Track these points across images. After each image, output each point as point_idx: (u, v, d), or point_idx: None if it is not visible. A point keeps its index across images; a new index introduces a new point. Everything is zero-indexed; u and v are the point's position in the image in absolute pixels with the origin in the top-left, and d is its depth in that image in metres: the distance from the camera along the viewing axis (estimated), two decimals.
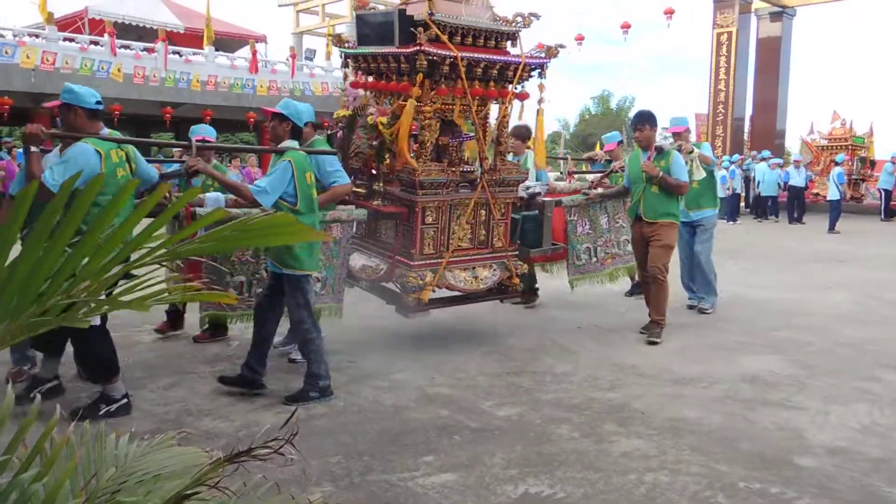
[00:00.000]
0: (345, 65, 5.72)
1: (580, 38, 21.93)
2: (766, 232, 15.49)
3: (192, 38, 21.99)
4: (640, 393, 4.58)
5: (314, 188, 4.33)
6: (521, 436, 3.86)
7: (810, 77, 79.86)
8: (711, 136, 22.95)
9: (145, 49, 19.38)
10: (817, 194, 19.34)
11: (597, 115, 54.36)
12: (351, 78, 5.74)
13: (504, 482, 3.32)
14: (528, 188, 5.95)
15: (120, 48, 18.62)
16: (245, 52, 22.97)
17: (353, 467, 3.46)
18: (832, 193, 15.87)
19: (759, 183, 18.34)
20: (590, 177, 7.54)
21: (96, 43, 18.56)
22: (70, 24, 21.04)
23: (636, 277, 7.07)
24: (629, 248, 6.54)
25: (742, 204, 19.24)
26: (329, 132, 5.91)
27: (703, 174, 6.46)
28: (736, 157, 19.69)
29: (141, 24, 21.88)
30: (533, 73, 5.33)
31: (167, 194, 4.26)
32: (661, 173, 5.79)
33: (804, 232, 15.38)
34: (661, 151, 5.91)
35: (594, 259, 6.40)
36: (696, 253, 7.00)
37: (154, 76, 18.75)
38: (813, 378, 4.90)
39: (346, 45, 5.61)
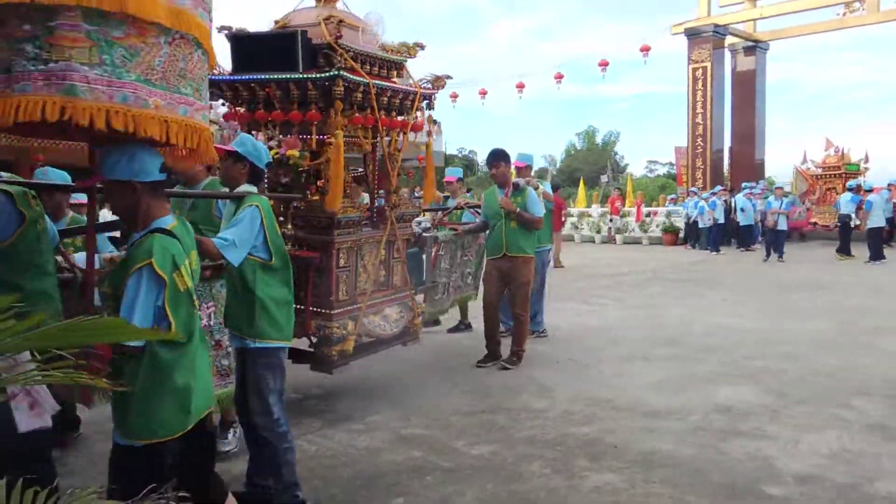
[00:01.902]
0: (216, 96, 4.86)
1: (559, 77, 22.34)
2: (748, 261, 15.60)
3: None
4: (614, 427, 4.58)
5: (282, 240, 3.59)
6: (493, 474, 3.86)
7: (789, 107, 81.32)
8: (692, 168, 23.33)
9: None
10: (815, 223, 19.39)
11: (582, 151, 55.01)
12: (221, 109, 5.11)
13: None
14: (419, 223, 5.95)
15: None
16: None
17: None
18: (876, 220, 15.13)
19: (739, 212, 18.56)
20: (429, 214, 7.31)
21: None
22: None
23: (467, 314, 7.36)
24: (468, 280, 6.68)
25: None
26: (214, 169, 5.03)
27: (544, 209, 6.54)
28: (718, 188, 19.96)
29: None
30: (421, 105, 5.16)
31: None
32: (518, 209, 6.02)
33: (786, 261, 15.51)
34: (517, 188, 6.15)
35: (445, 294, 6.34)
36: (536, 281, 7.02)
37: None
38: (786, 407, 4.93)
39: (214, 71, 4.71)
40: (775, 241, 15.74)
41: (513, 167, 6.74)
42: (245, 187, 3.53)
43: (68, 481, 3.76)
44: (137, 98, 2.22)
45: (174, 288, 2.31)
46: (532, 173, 7.47)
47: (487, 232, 6.35)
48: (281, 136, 4.72)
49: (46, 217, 3.07)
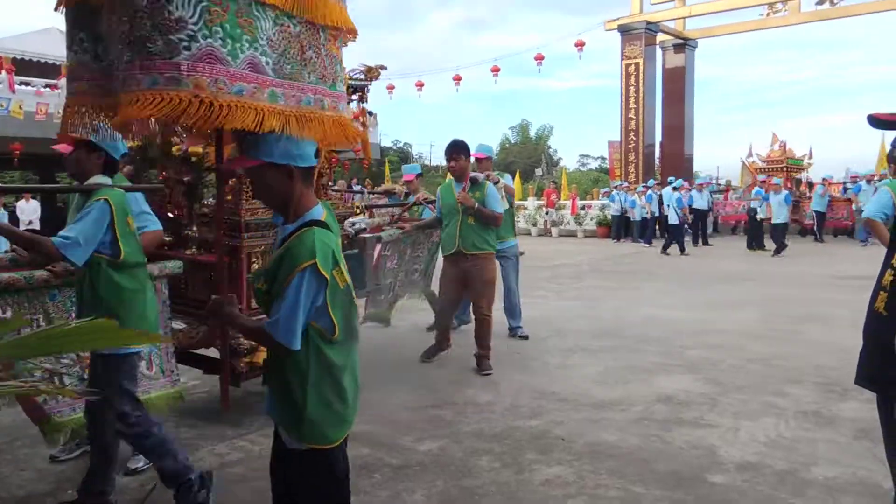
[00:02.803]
0: None
1: (496, 70, 22.44)
2: (676, 253, 16.05)
3: None
4: (561, 419, 4.61)
5: (138, 235, 3.35)
6: (442, 470, 3.82)
7: (716, 103, 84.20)
8: (624, 162, 23.83)
9: (48, 85, 18.67)
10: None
11: (517, 144, 55.56)
12: None
13: None
14: (353, 224, 5.54)
15: (19, 84, 17.88)
16: None
17: None
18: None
19: (668, 206, 19.09)
20: (384, 210, 7.26)
21: None
22: None
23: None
24: (415, 277, 6.46)
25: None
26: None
27: (507, 205, 6.43)
28: (651, 182, 20.45)
29: (42, 60, 21.07)
30: (353, 97, 4.91)
31: None
32: (476, 204, 5.65)
33: (713, 252, 16.05)
34: (475, 182, 5.81)
35: (391, 293, 6.17)
36: (506, 281, 6.96)
37: (59, 113, 18.07)
38: (724, 395, 5.07)
39: None
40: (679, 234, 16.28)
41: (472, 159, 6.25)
42: (98, 178, 3.27)
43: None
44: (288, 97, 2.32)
45: (335, 286, 2.16)
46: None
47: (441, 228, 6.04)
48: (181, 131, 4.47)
49: None
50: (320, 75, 2.39)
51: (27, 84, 18.39)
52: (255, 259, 4.41)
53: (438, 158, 47.37)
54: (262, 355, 4.36)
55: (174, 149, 4.52)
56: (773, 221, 15.37)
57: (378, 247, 5.73)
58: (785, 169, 20.24)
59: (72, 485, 3.71)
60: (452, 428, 4.50)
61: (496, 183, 6.14)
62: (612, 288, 10.67)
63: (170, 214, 4.61)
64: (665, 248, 15.86)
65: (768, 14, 23.91)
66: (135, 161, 4.88)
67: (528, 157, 49.19)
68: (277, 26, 2.34)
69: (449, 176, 6.07)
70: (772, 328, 7.43)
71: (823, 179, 19.08)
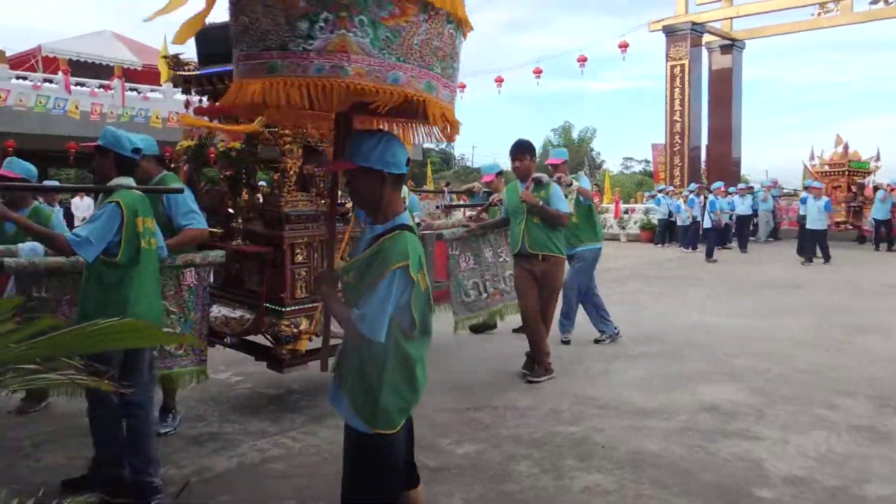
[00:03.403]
0: (186, 90, 5.03)
1: (538, 72, 22.31)
2: (725, 259, 15.72)
3: (149, 75, 21.83)
4: (602, 426, 4.54)
5: (151, 237, 3.53)
6: (480, 474, 3.79)
7: (763, 105, 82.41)
8: (669, 165, 23.47)
9: (102, 86, 19.19)
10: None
11: (558, 147, 55.17)
12: (195, 103, 5.07)
13: None
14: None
15: (75, 85, 18.43)
16: None
17: None
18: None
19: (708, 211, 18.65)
20: (466, 212, 7.22)
21: (50, 80, 18.33)
22: (23, 62, 20.79)
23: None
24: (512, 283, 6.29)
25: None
26: (172, 166, 5.13)
27: (569, 208, 6.23)
28: (693, 185, 20.06)
29: (97, 62, 21.69)
30: None
31: None
32: (540, 203, 5.59)
33: (762, 259, 15.68)
34: (539, 183, 5.74)
35: (484, 294, 6.09)
36: (569, 283, 6.86)
37: (112, 113, 18.55)
38: (771, 406, 4.93)
39: (187, 67, 4.88)
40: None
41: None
42: (118, 180, 3.47)
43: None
44: (409, 78, 2.27)
45: (418, 287, 2.32)
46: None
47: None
48: (226, 128, 4.61)
49: None
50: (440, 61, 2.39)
51: (82, 85, 18.92)
52: (298, 250, 4.52)
53: (480, 160, 47.34)
54: (304, 343, 4.45)
55: (219, 145, 4.65)
56: (809, 227, 14.83)
57: (445, 245, 5.76)
58: (847, 172, 19.43)
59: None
60: (491, 431, 4.47)
61: (569, 185, 6.08)
62: (655, 293, 10.50)
63: (229, 209, 4.83)
64: (708, 254, 15.48)
65: (819, 14, 23.30)
66: (192, 160, 5.04)
67: (570, 159, 48.56)
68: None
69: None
70: (822, 337, 7.21)
71: (887, 184, 18.21)
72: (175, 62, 4.91)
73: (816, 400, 5.06)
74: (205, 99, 5.02)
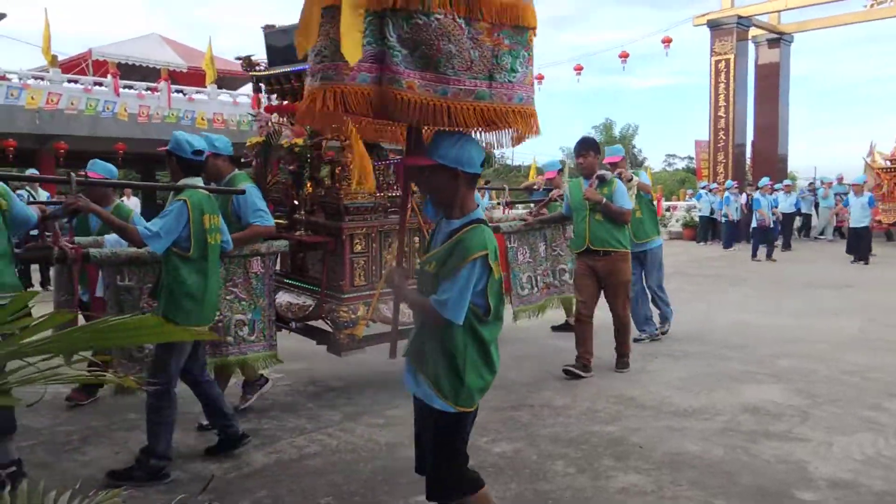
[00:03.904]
0: (257, 89, 5.40)
1: (579, 68, 22.12)
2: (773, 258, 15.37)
3: (195, 77, 22.27)
4: (639, 426, 4.49)
5: (216, 232, 3.82)
6: (516, 473, 3.78)
7: (811, 100, 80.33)
8: (713, 162, 23.01)
9: (148, 88, 19.64)
10: (880, 221, 17.82)
11: (600, 144, 54.52)
12: (265, 102, 5.37)
13: None
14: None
15: (123, 88, 18.90)
16: (247, 89, 23.22)
17: None
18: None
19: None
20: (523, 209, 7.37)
21: (100, 84, 18.85)
22: (74, 66, 21.38)
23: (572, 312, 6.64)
24: (565, 277, 6.35)
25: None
26: (242, 161, 5.44)
27: (633, 204, 6.27)
28: (730, 183, 19.62)
29: (144, 64, 22.19)
30: None
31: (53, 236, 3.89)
32: (604, 199, 5.61)
33: (808, 257, 15.28)
34: (603, 180, 5.73)
35: (535, 289, 6.16)
36: (647, 285, 7.04)
37: (158, 115, 18.97)
38: (816, 408, 4.81)
39: (257, 67, 5.21)
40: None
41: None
42: (186, 180, 3.81)
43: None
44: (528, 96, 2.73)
45: (493, 275, 2.52)
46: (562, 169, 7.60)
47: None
48: (290, 125, 4.88)
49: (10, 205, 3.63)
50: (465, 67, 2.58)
51: (130, 87, 19.39)
52: (357, 240, 4.76)
53: (520, 158, 47.13)
54: (361, 328, 4.67)
55: (283, 142, 4.91)
56: (851, 225, 14.35)
57: (503, 238, 5.87)
58: None
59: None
60: (528, 430, 4.45)
61: (629, 181, 6.14)
62: (697, 291, 10.32)
63: (294, 201, 5.07)
64: (754, 253, 15.10)
65: (872, 6, 22.55)
66: (259, 155, 5.28)
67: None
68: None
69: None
70: (871, 338, 7.00)
71: None
72: (248, 63, 5.24)
73: (863, 402, 4.91)
74: (273, 97, 5.38)
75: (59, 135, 18.24)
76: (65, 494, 1.27)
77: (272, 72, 5.04)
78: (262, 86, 5.30)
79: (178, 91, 20.33)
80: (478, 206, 2.69)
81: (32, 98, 16.78)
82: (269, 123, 5.10)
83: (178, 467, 3.90)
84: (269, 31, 5.01)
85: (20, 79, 17.65)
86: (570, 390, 5.27)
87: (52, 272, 6.88)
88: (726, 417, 4.63)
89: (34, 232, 4.84)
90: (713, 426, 4.48)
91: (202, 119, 19.54)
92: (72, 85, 18.64)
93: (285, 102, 5.21)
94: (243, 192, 4.40)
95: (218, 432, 4.09)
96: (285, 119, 5.09)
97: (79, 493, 1.30)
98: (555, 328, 7.36)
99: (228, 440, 4.06)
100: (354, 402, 5.02)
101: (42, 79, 18.07)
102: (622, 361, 5.87)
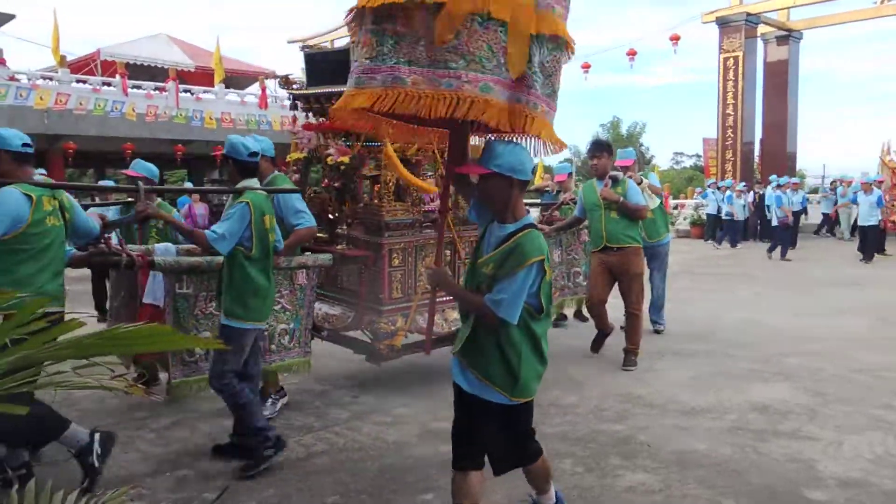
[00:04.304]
0: (293, 107, 5.63)
1: (586, 66, 22.05)
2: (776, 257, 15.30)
3: (203, 77, 22.35)
4: (647, 424, 4.48)
5: (274, 232, 3.98)
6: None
7: (820, 98, 79.86)
8: (721, 160, 22.93)
9: (157, 88, 19.71)
10: (895, 222, 17.20)
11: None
12: (302, 120, 5.61)
13: None
14: None
15: (132, 88, 18.97)
16: (254, 88, 23.29)
17: None
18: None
19: (767, 208, 18.04)
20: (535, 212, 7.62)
21: (108, 84, 18.92)
22: (83, 66, 21.48)
23: (584, 310, 7.38)
24: (579, 279, 6.69)
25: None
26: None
27: (657, 202, 6.91)
28: (729, 182, 19.51)
29: (152, 64, 22.29)
30: None
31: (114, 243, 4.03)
32: (620, 198, 5.81)
33: (820, 255, 15.20)
34: (616, 180, 5.96)
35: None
36: (651, 278, 7.28)
37: (166, 114, 19.03)
38: (825, 406, 4.78)
39: (294, 86, 5.49)
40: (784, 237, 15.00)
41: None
42: (244, 183, 3.92)
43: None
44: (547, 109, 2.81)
45: (546, 278, 2.70)
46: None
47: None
48: (335, 144, 5.14)
49: (71, 214, 3.69)
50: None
51: (138, 87, 19.47)
52: (395, 255, 4.95)
53: None
54: (400, 339, 4.84)
55: (328, 159, 5.11)
56: (860, 224, 14.19)
57: None
58: None
59: (171, 466, 3.90)
60: (536, 429, 4.43)
61: (640, 183, 6.41)
62: (705, 290, 10.29)
63: (330, 216, 5.24)
64: (779, 252, 14.93)
65: (882, 2, 22.39)
66: (301, 170, 5.53)
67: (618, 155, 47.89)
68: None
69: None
70: (881, 336, 6.95)
71: None
72: (285, 82, 5.55)
73: (873, 401, 4.88)
74: (310, 115, 5.61)
75: (67, 135, 18.33)
76: (72, 494, 1.27)
77: (313, 91, 5.25)
78: (299, 104, 5.51)
79: (185, 91, 20.39)
80: (528, 211, 2.85)
81: (41, 98, 16.87)
82: (310, 140, 5.35)
83: (185, 465, 3.91)
84: (310, 52, 5.27)
85: (29, 79, 17.74)
86: (578, 389, 5.25)
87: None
88: (734, 416, 4.61)
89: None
90: (721, 425, 4.46)
91: (210, 118, 19.60)
92: (80, 85, 18.71)
93: (321, 120, 5.42)
94: (300, 191, 4.59)
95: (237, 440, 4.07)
96: (330, 137, 5.27)
97: (85, 493, 1.30)
98: (576, 315, 7.82)
99: (239, 447, 4.02)
100: (361, 400, 5.02)
101: (51, 79, 18.16)
102: (630, 359, 5.91)
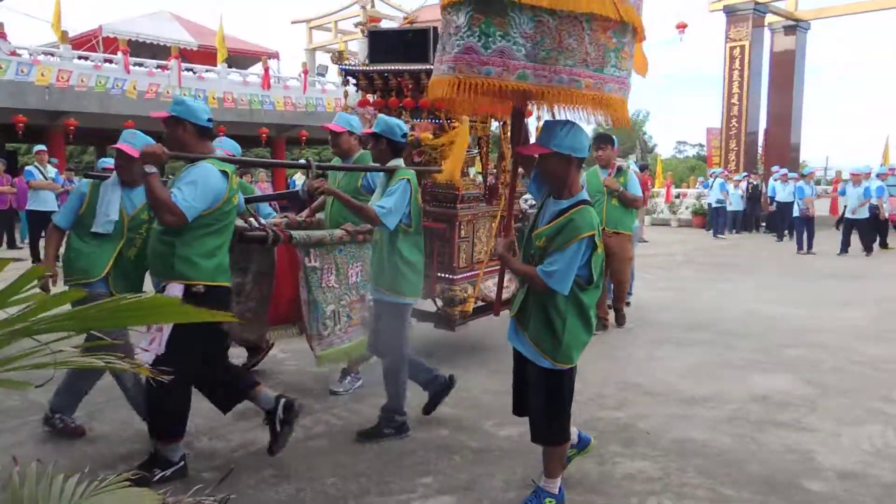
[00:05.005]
0: (345, 83, 5.82)
1: None
2: (781, 248, 15.28)
3: (205, 56, 22.20)
4: (647, 412, 4.47)
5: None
6: (522, 457, 3.77)
7: (825, 89, 79.45)
8: (725, 150, 22.85)
9: (159, 66, 19.57)
10: None
11: (610, 129, 54.14)
12: (354, 95, 5.78)
13: None
14: (525, 200, 6.41)
15: (133, 66, 18.83)
16: (257, 68, 23.15)
17: (348, 489, 3.39)
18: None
19: (772, 200, 17.93)
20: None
21: (110, 61, 18.79)
22: (84, 43, 21.32)
23: None
24: None
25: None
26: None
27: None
28: (718, 170, 19.43)
29: (154, 42, 22.12)
30: None
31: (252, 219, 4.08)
32: (621, 188, 6.41)
33: (821, 248, 15.17)
34: (619, 170, 6.56)
35: None
36: None
37: (167, 93, 18.90)
38: (825, 398, 4.78)
39: (348, 62, 5.76)
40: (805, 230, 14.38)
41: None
42: (394, 162, 4.09)
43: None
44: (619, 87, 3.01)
45: (597, 251, 2.89)
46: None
47: None
48: (415, 121, 5.47)
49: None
50: (580, 59, 2.86)
51: (140, 65, 19.33)
52: (464, 226, 5.32)
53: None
54: (470, 305, 5.22)
55: (410, 136, 5.23)
56: (847, 216, 13.88)
57: None
58: None
59: None
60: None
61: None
62: (706, 280, 10.27)
63: None
64: (801, 245, 14.24)
65: None
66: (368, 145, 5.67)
67: (622, 143, 47.70)
68: (535, 21, 2.82)
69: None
70: (882, 329, 6.94)
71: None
72: (339, 58, 5.92)
73: (873, 393, 4.88)
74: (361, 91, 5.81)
75: (69, 111, 18.23)
76: (73, 478, 1.25)
77: (375, 68, 5.50)
78: (351, 79, 5.73)
79: (188, 69, 20.25)
80: (583, 187, 3.03)
81: (43, 75, 16.74)
82: (375, 116, 5.43)
83: (185, 446, 3.90)
84: (374, 31, 5.56)
85: (31, 55, 17.60)
86: (578, 376, 5.21)
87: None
88: (734, 406, 4.60)
89: None
90: (721, 414, 4.45)
91: (212, 98, 19.46)
92: (82, 62, 18.57)
93: (375, 98, 5.68)
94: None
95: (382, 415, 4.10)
96: (408, 114, 5.49)
97: (87, 476, 1.29)
98: None
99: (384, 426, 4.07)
100: (361, 382, 5.01)
101: (52, 55, 18.03)
102: (621, 316, 6.87)
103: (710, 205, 19.08)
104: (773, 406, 4.61)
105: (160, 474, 3.35)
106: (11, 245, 13.09)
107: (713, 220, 18.14)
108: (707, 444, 3.97)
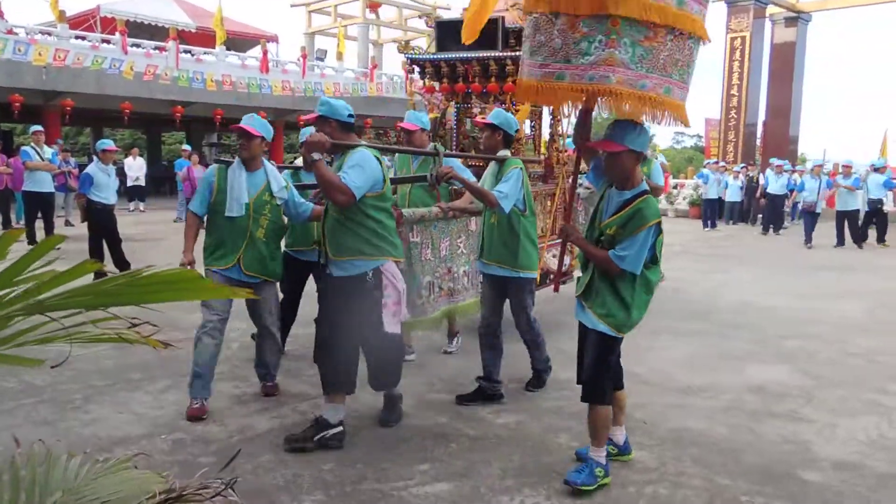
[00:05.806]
0: (410, 71, 6.21)
1: None
2: (779, 240, 15.31)
3: (203, 38, 22.05)
4: (644, 402, 4.48)
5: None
6: (519, 445, 3.78)
7: (825, 82, 79.32)
8: (723, 141, 22.84)
9: (157, 48, 19.44)
10: None
11: (607, 120, 54.00)
12: (417, 82, 6.26)
13: (499, 493, 3.24)
14: (580, 184, 6.52)
15: (131, 46, 18.69)
16: (256, 51, 23.00)
17: (345, 475, 3.39)
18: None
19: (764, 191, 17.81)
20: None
21: (108, 41, 18.63)
22: (82, 23, 21.16)
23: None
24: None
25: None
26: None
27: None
28: (711, 161, 19.42)
29: (153, 23, 21.96)
30: None
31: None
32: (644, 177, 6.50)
33: (819, 241, 15.18)
34: (645, 159, 6.37)
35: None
36: None
37: (165, 75, 18.77)
38: (821, 389, 4.79)
39: (413, 51, 6.25)
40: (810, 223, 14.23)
41: None
42: (503, 152, 4.42)
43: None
44: (654, 85, 3.17)
45: (661, 235, 3.23)
46: None
47: None
48: (483, 106, 5.73)
49: None
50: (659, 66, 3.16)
51: (138, 46, 19.18)
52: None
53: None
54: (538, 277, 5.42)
55: (477, 118, 5.57)
56: (838, 209, 13.82)
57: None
58: None
59: (166, 429, 3.89)
60: (531, 403, 4.45)
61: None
62: (704, 270, 10.28)
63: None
64: (807, 239, 13.99)
65: None
66: (435, 131, 6.17)
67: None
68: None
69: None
70: (878, 321, 6.97)
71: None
72: (405, 47, 6.16)
73: (868, 384, 4.90)
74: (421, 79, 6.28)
75: (65, 91, 18.10)
76: (76, 458, 1.24)
77: (442, 56, 5.92)
78: (416, 67, 6.14)
79: (186, 51, 20.11)
80: (643, 178, 3.31)
81: (40, 54, 16.59)
82: (441, 102, 6.01)
83: (181, 429, 3.91)
84: (440, 21, 5.99)
85: (28, 33, 17.45)
86: (574, 364, 5.23)
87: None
88: (731, 396, 4.62)
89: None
90: (717, 404, 4.47)
91: (211, 80, 19.34)
92: (79, 41, 18.42)
93: (441, 84, 6.10)
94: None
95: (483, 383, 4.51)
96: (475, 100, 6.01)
97: (91, 455, 1.28)
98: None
99: (483, 394, 4.49)
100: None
101: (49, 34, 17.88)
102: None
103: (702, 196, 19.06)
104: (770, 396, 4.62)
105: (319, 435, 3.65)
106: (7, 226, 13.03)
107: (703, 212, 18.03)
108: (704, 433, 3.98)
